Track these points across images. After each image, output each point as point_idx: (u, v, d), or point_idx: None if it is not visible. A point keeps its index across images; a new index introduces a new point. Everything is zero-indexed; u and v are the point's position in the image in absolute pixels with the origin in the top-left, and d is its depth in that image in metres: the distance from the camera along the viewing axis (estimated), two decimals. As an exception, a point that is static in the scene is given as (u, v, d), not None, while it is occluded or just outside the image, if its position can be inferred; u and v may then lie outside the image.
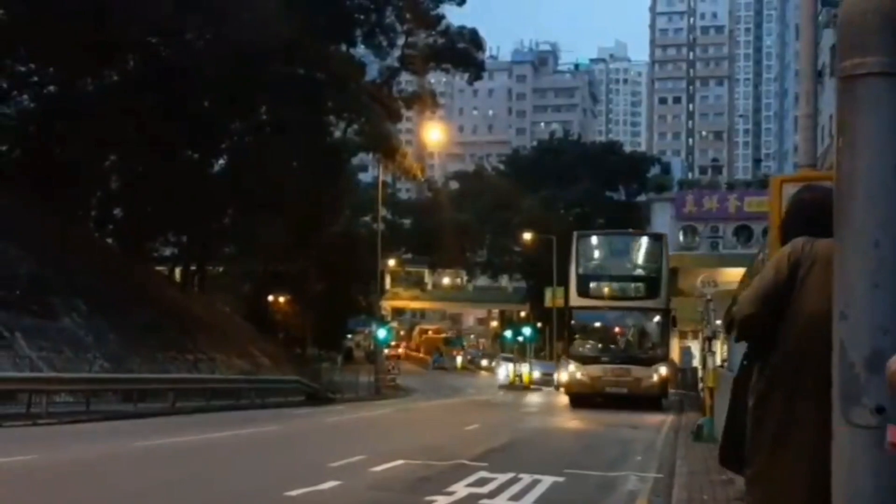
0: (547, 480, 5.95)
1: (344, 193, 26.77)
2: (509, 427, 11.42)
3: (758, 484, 1.54)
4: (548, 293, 31.09)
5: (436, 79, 40.68)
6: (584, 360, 16.01)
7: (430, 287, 52.87)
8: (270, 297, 29.84)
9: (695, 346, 26.81)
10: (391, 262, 40.76)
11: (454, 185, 48.68)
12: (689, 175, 68.50)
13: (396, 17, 26.28)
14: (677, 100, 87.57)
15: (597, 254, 17.95)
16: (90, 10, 14.92)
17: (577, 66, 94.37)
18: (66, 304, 14.13)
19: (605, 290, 16.66)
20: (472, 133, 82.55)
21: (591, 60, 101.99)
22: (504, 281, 49.42)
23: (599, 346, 16.55)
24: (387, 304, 45.33)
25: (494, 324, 56.89)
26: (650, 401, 15.25)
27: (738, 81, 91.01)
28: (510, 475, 6.07)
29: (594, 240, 18.78)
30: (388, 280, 43.01)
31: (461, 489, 5.42)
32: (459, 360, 45.89)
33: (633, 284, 16.96)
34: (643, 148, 78.11)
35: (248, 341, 21.73)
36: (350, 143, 26.72)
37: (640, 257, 17.87)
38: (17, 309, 12.72)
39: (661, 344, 16.21)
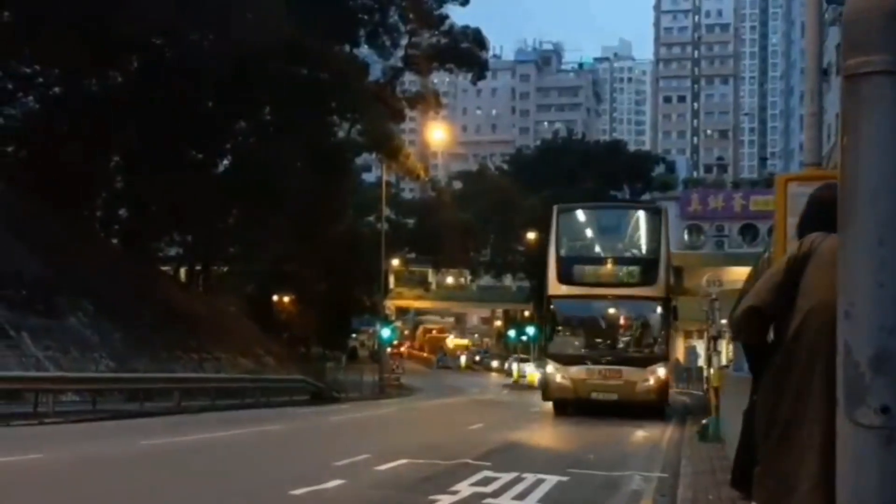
0: (551, 480, 5.94)
1: (347, 193, 26.80)
2: (513, 426, 11.40)
3: (764, 481, 1.54)
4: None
5: (439, 78, 40.73)
6: (565, 361, 13.15)
7: (433, 286, 52.92)
8: (275, 297, 29.92)
9: (700, 346, 26.73)
10: (395, 262, 40.82)
11: (457, 184, 48.68)
12: (695, 174, 68.29)
13: (400, 16, 26.30)
14: (682, 98, 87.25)
15: (582, 231, 15.01)
16: (94, 11, 14.98)
17: (580, 65, 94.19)
18: (72, 303, 14.21)
19: (592, 274, 13.74)
20: (475, 132, 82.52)
21: (595, 59, 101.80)
22: (507, 280, 49.35)
23: (585, 342, 13.62)
24: (390, 304, 45.40)
25: (498, 323, 56.91)
26: (647, 409, 12.63)
27: (744, 80, 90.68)
28: (514, 474, 6.06)
29: (579, 215, 15.34)
30: (391, 279, 43.07)
31: (465, 488, 5.42)
32: (463, 359, 45.89)
33: (625, 268, 13.98)
34: (647, 147, 77.84)
35: (252, 341, 21.80)
36: (353, 143, 26.75)
37: (635, 235, 14.71)
38: (24, 309, 12.80)
39: (659, 340, 13.26)
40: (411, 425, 12.74)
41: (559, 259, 13.85)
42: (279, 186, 20.20)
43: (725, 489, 5.16)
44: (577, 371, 13.02)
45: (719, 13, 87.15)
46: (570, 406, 13.30)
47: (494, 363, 44.39)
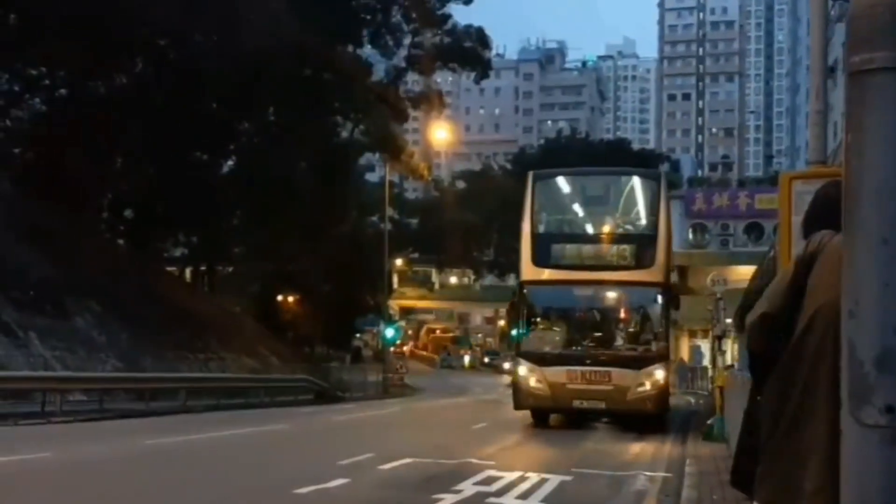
0: (555, 479, 5.93)
1: (351, 193, 26.89)
2: (517, 426, 11.36)
3: (767, 480, 1.53)
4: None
5: (442, 78, 40.65)
6: (541, 361, 10.44)
7: (437, 286, 52.96)
8: (279, 297, 30.02)
9: (704, 346, 26.64)
10: (398, 262, 40.88)
11: (461, 184, 48.76)
12: (699, 172, 67.96)
13: (403, 16, 26.31)
14: (687, 96, 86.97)
15: (563, 203, 12.13)
16: (99, 13, 15.07)
17: (584, 63, 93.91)
18: (79, 304, 14.32)
19: (575, 255, 10.93)
20: (478, 132, 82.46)
21: (599, 58, 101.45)
22: (511, 280, 49.29)
23: (565, 339, 10.82)
24: (394, 304, 45.45)
25: (502, 323, 56.90)
26: (641, 419, 10.16)
27: (749, 77, 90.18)
28: (518, 474, 6.06)
29: (559, 182, 12.34)
30: (395, 279, 43.13)
31: (469, 487, 5.42)
32: (467, 359, 45.74)
33: (616, 247, 11.02)
34: (652, 145, 77.69)
35: (257, 341, 21.89)
36: (357, 143, 26.82)
37: (628, 206, 11.89)
38: (31, 309, 12.92)
39: (658, 336, 10.54)
40: (415, 425, 12.75)
41: (535, 237, 11.12)
42: (283, 187, 20.28)
43: (730, 489, 5.14)
44: (555, 374, 10.28)
45: (724, 10, 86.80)
46: (548, 416, 10.92)
47: (506, 365, 43.93)
